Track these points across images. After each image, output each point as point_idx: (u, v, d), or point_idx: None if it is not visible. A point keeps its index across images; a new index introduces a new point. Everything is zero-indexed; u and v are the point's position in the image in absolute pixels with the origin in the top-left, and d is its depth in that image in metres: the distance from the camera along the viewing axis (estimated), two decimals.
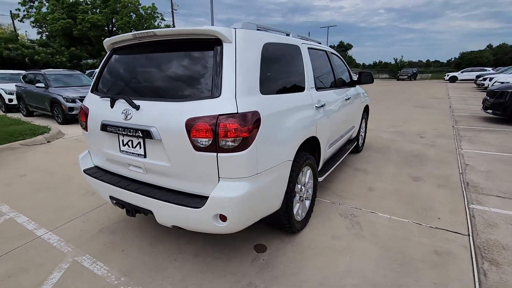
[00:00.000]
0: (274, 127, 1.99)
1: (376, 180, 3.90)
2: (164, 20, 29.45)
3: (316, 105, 2.68)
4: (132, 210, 2.13)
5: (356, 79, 4.40)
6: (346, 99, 3.67)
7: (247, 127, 1.72)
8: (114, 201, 2.23)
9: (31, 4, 25.30)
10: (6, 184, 3.92)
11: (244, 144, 1.72)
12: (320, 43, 3.64)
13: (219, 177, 1.79)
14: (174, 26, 33.87)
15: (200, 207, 1.77)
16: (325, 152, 3.13)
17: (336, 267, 2.21)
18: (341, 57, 4.16)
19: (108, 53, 2.44)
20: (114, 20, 26.10)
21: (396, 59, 44.99)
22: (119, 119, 2.05)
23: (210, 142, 1.71)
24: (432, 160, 4.75)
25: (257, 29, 2.25)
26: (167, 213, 1.92)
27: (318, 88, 2.88)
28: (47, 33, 27.26)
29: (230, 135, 1.68)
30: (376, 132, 6.90)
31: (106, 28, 27.03)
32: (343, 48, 78.25)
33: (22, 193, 3.64)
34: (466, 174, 4.10)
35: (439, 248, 2.42)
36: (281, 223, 2.44)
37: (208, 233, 1.92)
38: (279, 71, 2.31)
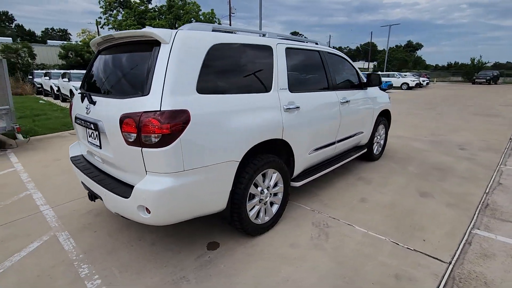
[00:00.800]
0: (211, 126, 2.01)
1: (375, 192, 3.57)
2: (221, 24, 30.91)
3: (284, 106, 2.60)
4: (91, 195, 2.37)
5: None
6: (342, 102, 3.44)
7: (168, 124, 1.78)
8: (84, 186, 2.51)
9: (110, 12, 29.06)
10: (43, 166, 4.64)
11: (165, 140, 1.79)
12: (317, 44, 3.49)
13: (146, 171, 1.89)
14: None
15: (128, 197, 1.90)
16: (305, 157, 3.00)
17: (275, 275, 2.13)
18: (346, 58, 3.91)
19: (95, 54, 2.74)
20: (176, 25, 28.33)
21: (473, 59, 39.57)
22: (84, 113, 2.30)
23: (135, 137, 1.82)
24: (458, 175, 4.13)
25: (213, 30, 2.29)
26: (109, 200, 2.09)
27: (293, 90, 2.78)
28: None
29: (151, 131, 1.77)
30: (408, 140, 6.26)
31: None
32: (411, 48, 71.73)
33: (50, 174, 4.27)
34: (492, 194, 3.48)
35: (403, 272, 2.14)
36: (233, 224, 2.43)
37: (140, 223, 2.02)
38: (232, 71, 2.31)
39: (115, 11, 28.89)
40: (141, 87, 1.91)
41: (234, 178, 2.30)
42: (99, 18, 29.31)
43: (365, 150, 4.36)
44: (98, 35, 33.58)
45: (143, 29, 1.94)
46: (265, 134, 2.40)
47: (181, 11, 28.46)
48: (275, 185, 2.73)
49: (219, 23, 30.54)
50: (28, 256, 2.38)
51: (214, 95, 2.10)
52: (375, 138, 4.66)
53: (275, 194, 2.77)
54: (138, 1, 28.80)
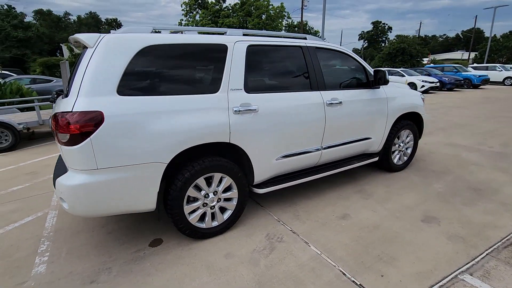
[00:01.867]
0: (131, 128, 2.04)
1: (366, 209, 3.08)
2: (290, 18, 30.59)
3: (234, 108, 2.45)
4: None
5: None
6: (330, 103, 3.04)
7: (77, 124, 1.89)
8: None
9: (190, 14, 31.79)
10: None
11: (75, 139, 1.91)
12: (305, 39, 3.16)
13: (68, 166, 2.06)
14: (302, 23, 34.58)
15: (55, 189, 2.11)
16: (271, 163, 2.77)
17: (188, 283, 2.07)
18: (349, 53, 3.40)
19: None
20: (247, 22, 29.24)
21: None
22: None
23: (56, 135, 2.00)
24: (498, 200, 3.22)
25: (153, 31, 2.31)
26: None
27: (253, 90, 2.60)
28: None
29: (63, 131, 1.91)
30: (462, 150, 5.14)
31: None
32: None
33: None
34: None
35: None
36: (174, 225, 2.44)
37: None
38: (167, 72, 2.28)
39: (194, 12, 31.44)
40: (71, 89, 2.07)
41: (169, 179, 2.32)
42: (180, 20, 32.38)
43: (376, 158, 3.78)
44: None
45: (74, 35, 2.09)
46: (202, 137, 2.32)
47: (252, 7, 29.16)
48: (228, 190, 2.63)
49: (289, 17, 30.26)
50: (19, 227, 2.87)
51: (140, 96, 2.12)
52: (396, 145, 3.98)
53: (229, 200, 2.67)
54: (214, 1, 30.66)
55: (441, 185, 3.65)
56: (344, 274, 2.12)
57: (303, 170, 3.20)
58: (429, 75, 17.75)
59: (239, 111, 2.47)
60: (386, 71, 3.32)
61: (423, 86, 15.81)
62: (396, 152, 4.05)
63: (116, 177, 2.06)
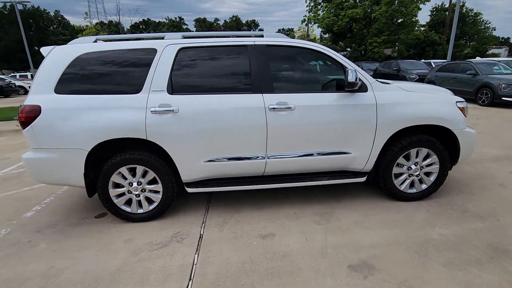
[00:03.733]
0: (60, 119, 2.58)
1: (301, 234, 2.62)
2: (429, 1, 25.37)
3: (151, 108, 2.62)
4: None
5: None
6: (274, 108, 2.70)
7: (24, 114, 2.59)
8: None
9: (314, 9, 31.51)
10: None
11: (24, 124, 2.62)
12: (261, 36, 2.89)
13: None
14: (451, 3, 28.34)
15: None
16: (198, 164, 2.78)
17: (79, 252, 2.47)
18: (319, 49, 2.82)
19: None
20: (373, 11, 26.44)
21: None
22: None
23: None
24: None
25: (96, 41, 2.77)
26: None
27: (178, 92, 2.68)
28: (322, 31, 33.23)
29: (19, 118, 2.66)
30: None
31: (363, 21, 28.26)
32: None
33: None
34: None
35: None
36: None
37: None
38: (97, 75, 2.67)
39: (318, 7, 31.00)
40: None
41: (96, 164, 2.80)
42: (304, 16, 32.69)
43: (363, 178, 3.04)
44: (307, 31, 37.67)
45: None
46: (117, 132, 2.62)
47: None
48: (154, 183, 2.86)
49: (427, 0, 25.36)
50: (32, 189, 3.98)
51: (71, 95, 2.63)
52: (404, 167, 3.05)
53: (156, 192, 2.89)
54: None
55: (448, 232, 2.58)
56: None
57: (252, 178, 3.01)
58: None
59: (156, 111, 2.63)
60: (353, 70, 2.59)
61: None
62: (405, 175, 3.09)
63: (50, 156, 2.67)
